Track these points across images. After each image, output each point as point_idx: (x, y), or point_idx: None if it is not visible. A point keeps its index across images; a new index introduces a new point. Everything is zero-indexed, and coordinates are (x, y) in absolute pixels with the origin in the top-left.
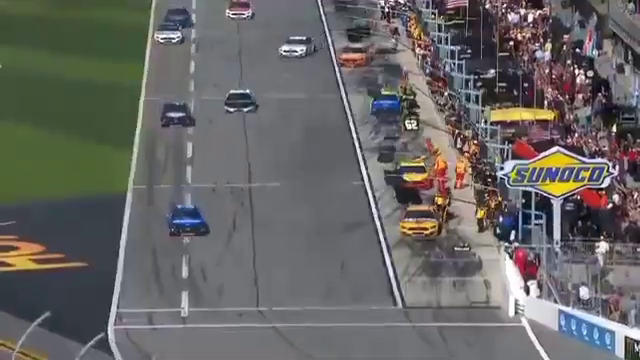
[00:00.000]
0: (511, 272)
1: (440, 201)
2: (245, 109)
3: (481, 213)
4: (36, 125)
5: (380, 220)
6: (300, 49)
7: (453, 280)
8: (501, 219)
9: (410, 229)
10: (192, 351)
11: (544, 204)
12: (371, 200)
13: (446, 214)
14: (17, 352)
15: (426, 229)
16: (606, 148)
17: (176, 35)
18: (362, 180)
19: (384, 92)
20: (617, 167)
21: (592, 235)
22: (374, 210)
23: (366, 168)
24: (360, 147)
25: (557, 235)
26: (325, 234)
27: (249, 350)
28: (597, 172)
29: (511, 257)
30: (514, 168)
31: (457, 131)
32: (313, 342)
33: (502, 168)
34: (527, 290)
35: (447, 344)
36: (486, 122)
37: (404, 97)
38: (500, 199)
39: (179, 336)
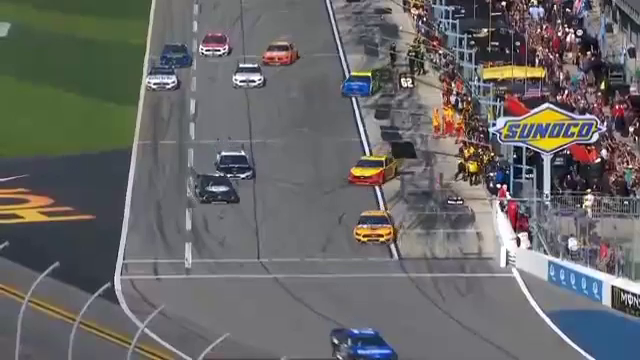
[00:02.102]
0: (502, 224)
1: (473, 168)
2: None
3: (473, 167)
4: (44, 82)
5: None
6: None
7: (446, 232)
8: (493, 173)
9: (364, 236)
10: (195, 301)
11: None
12: (368, 155)
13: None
14: (27, 301)
15: (381, 236)
16: (595, 105)
17: (171, 80)
18: (359, 136)
19: (355, 73)
20: (605, 123)
21: (581, 188)
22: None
23: (363, 125)
24: (357, 105)
25: (547, 189)
26: (324, 188)
27: (250, 300)
28: (586, 128)
29: (503, 209)
30: (506, 124)
31: (450, 88)
32: (312, 292)
33: (494, 124)
34: (518, 242)
35: (441, 293)
36: (479, 80)
37: (412, 50)
38: (492, 154)
39: (183, 286)
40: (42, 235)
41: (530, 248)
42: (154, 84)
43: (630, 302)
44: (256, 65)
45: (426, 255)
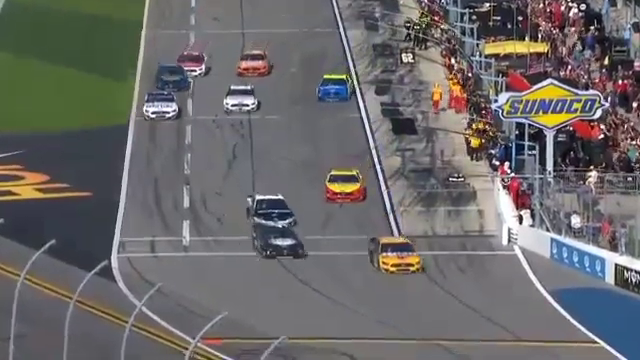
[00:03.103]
0: (504, 201)
1: (476, 143)
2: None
3: (475, 142)
4: (42, 58)
5: (377, 151)
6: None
7: (448, 210)
8: (494, 150)
9: (393, 265)
10: (193, 279)
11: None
12: (368, 132)
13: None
14: (23, 279)
15: (411, 265)
16: (598, 80)
17: (171, 108)
18: (359, 112)
19: (330, 76)
20: (609, 98)
21: (584, 165)
22: (371, 142)
23: (363, 101)
24: (357, 80)
25: (550, 165)
26: (323, 165)
27: (249, 278)
28: (589, 104)
29: (505, 187)
30: (508, 100)
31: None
32: (312, 270)
33: (496, 100)
34: (520, 219)
35: (441, 271)
36: (481, 55)
37: (418, 23)
38: (494, 130)
39: (180, 264)
40: (38, 212)
41: (532, 225)
42: (152, 113)
43: (634, 280)
44: (249, 87)
45: (427, 233)
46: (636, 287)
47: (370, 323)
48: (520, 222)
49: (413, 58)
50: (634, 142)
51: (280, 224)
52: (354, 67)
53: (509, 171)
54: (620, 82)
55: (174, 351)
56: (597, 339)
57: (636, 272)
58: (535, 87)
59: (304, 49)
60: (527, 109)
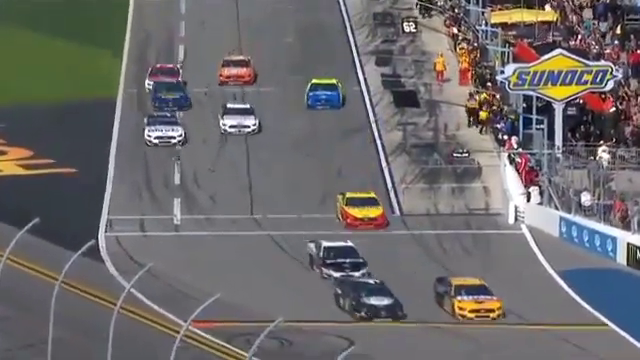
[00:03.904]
0: (511, 178)
1: (483, 115)
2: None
3: (483, 114)
4: (24, 28)
5: (377, 125)
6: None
7: (451, 187)
8: (501, 124)
9: (472, 311)
10: (184, 259)
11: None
12: (368, 105)
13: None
14: (6, 259)
15: (492, 311)
16: (610, 50)
17: (177, 133)
18: (359, 84)
19: (319, 81)
20: (621, 70)
21: (594, 140)
22: (371, 115)
23: (363, 73)
24: (357, 51)
25: (559, 140)
26: (321, 140)
27: (243, 258)
28: (600, 75)
29: (511, 163)
30: (515, 72)
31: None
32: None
33: (502, 72)
34: (527, 197)
35: (445, 251)
36: (486, 24)
37: None
38: (500, 103)
39: (171, 244)
40: (21, 189)
41: (540, 203)
42: (155, 138)
43: None
44: (248, 106)
45: (430, 211)
46: None
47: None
48: (528, 200)
49: (415, 27)
50: None
51: (356, 275)
52: (353, 37)
53: (516, 146)
54: (633, 52)
55: (165, 334)
56: (608, 322)
57: None
58: (543, 58)
59: (300, 18)
60: (535, 81)
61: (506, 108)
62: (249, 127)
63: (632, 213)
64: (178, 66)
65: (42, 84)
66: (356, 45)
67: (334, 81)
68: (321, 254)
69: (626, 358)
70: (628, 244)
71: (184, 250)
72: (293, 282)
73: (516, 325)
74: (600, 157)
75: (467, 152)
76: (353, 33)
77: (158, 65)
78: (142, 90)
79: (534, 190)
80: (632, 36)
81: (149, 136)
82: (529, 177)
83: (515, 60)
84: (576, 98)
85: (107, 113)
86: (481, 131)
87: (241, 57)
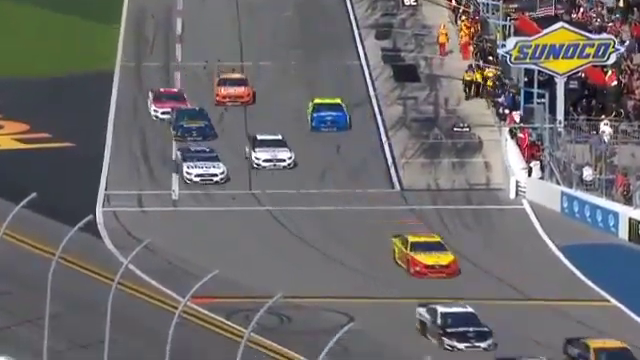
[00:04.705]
0: (512, 153)
1: (479, 77)
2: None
3: (478, 75)
4: (22, 2)
5: (377, 100)
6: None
7: (452, 161)
8: (502, 98)
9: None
10: (182, 235)
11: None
12: (368, 79)
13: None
14: (3, 234)
15: None
16: (611, 24)
17: (219, 170)
18: (359, 59)
19: (322, 101)
20: (627, 43)
21: (596, 114)
22: (371, 90)
23: (363, 46)
24: (356, 24)
25: (560, 114)
26: None
27: (242, 234)
28: (602, 48)
29: (513, 137)
30: (516, 45)
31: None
32: (308, 226)
33: (504, 45)
34: (529, 171)
35: (446, 227)
36: None
37: None
38: (501, 77)
39: (169, 219)
40: (17, 164)
41: (542, 178)
42: (196, 176)
43: None
44: (280, 136)
45: (430, 186)
46: None
47: (370, 282)
48: (529, 175)
49: (416, 0)
50: None
51: (482, 346)
52: (352, 10)
53: (517, 120)
54: (636, 25)
55: (163, 310)
56: (609, 297)
57: None
58: (545, 31)
59: None
60: (536, 54)
61: (507, 82)
62: (284, 161)
63: (634, 188)
64: (183, 91)
65: (39, 58)
66: (356, 19)
67: (338, 100)
68: (438, 321)
69: (627, 333)
70: (630, 219)
71: (182, 226)
72: (292, 258)
73: (517, 301)
74: (602, 131)
75: (468, 126)
76: (353, 6)
77: (161, 89)
78: (140, 64)
79: (535, 165)
80: (635, 9)
81: (189, 173)
82: (530, 152)
83: (516, 33)
84: (578, 72)
85: (104, 87)
86: (477, 94)
87: (238, 75)
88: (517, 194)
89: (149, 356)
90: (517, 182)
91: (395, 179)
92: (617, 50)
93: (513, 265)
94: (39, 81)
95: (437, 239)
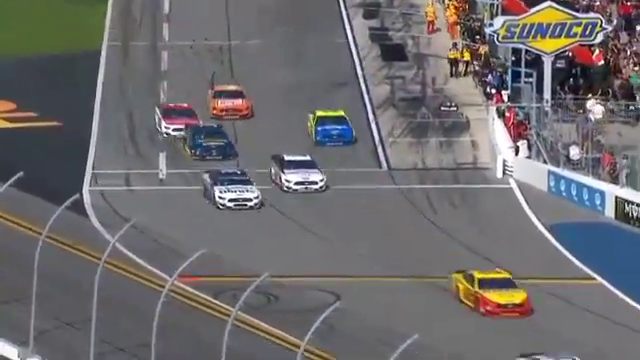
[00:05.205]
0: (499, 132)
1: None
2: None
3: (467, 54)
4: None
5: (365, 79)
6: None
7: (439, 141)
8: (489, 78)
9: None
10: (170, 214)
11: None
12: (355, 58)
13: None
14: None
15: None
16: (598, 3)
17: (254, 195)
18: (346, 37)
19: (325, 113)
20: (614, 22)
21: (583, 93)
22: (358, 69)
23: (350, 25)
24: (344, 3)
25: (547, 94)
26: (308, 93)
27: (228, 212)
28: (590, 27)
29: (500, 117)
30: (503, 24)
31: None
32: (294, 203)
33: (491, 24)
34: (516, 150)
35: (433, 206)
36: None
37: None
38: (488, 56)
39: (156, 198)
40: (4, 143)
41: (529, 157)
42: (230, 201)
43: (634, 214)
44: (308, 157)
45: (417, 165)
46: (637, 221)
47: (358, 260)
48: (516, 154)
49: None
50: (637, 68)
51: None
52: None
53: (505, 100)
54: (623, 4)
55: (150, 289)
56: (596, 275)
57: (637, 205)
58: (533, 10)
59: None
60: (524, 34)
61: (495, 61)
62: (317, 183)
63: (620, 167)
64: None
65: (25, 37)
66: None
67: (342, 113)
68: None
69: (614, 311)
70: (616, 198)
71: (169, 205)
72: (279, 237)
73: None
74: (591, 110)
75: (455, 106)
76: None
77: (171, 105)
78: (127, 43)
79: (522, 144)
80: None
81: (221, 198)
82: (517, 131)
83: (504, 12)
84: (565, 51)
85: (92, 66)
86: (465, 73)
87: (234, 87)
88: (504, 173)
89: (136, 334)
90: (504, 161)
91: (382, 158)
92: (604, 29)
93: (500, 243)
94: (25, 60)
95: (506, 275)
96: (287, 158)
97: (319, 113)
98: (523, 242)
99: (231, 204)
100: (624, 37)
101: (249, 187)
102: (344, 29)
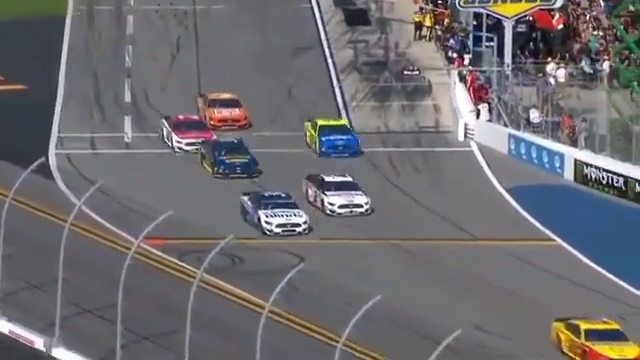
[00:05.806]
0: (461, 96)
1: (428, 22)
2: None
3: (429, 20)
4: None
5: (328, 43)
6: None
7: (402, 104)
8: (451, 42)
9: None
10: (135, 177)
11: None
12: (319, 23)
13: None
14: None
15: None
16: None
17: (302, 220)
18: (310, 2)
19: (327, 123)
20: None
21: (543, 57)
22: (322, 33)
23: None
24: None
25: (508, 58)
26: (272, 58)
27: (195, 176)
28: None
29: (461, 80)
30: None
31: None
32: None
33: None
34: (477, 114)
35: (396, 169)
36: None
37: None
38: (450, 20)
39: (122, 161)
40: None
41: (490, 120)
42: (277, 226)
43: (593, 176)
44: (350, 178)
45: (380, 129)
46: (596, 183)
47: (322, 223)
48: (477, 117)
49: None
50: (596, 32)
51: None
52: None
53: (466, 64)
54: None
55: (116, 251)
56: (555, 237)
57: (596, 168)
58: None
59: None
60: None
61: (456, 25)
62: (362, 207)
63: (579, 130)
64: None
65: None
66: None
67: (344, 122)
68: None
69: (573, 272)
70: (575, 160)
71: (135, 168)
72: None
73: (466, 241)
74: (553, 74)
75: (418, 70)
76: None
77: (180, 117)
78: (92, 8)
79: (483, 107)
80: None
81: (268, 223)
82: (478, 94)
83: None
84: (526, 15)
85: (57, 30)
86: (428, 39)
87: (228, 95)
88: (465, 136)
89: (102, 297)
90: (465, 124)
91: (346, 122)
92: None
93: (461, 206)
94: None
95: (616, 326)
96: (327, 179)
97: (320, 122)
98: (484, 204)
99: (279, 230)
100: (584, 1)
101: (296, 211)
102: None
